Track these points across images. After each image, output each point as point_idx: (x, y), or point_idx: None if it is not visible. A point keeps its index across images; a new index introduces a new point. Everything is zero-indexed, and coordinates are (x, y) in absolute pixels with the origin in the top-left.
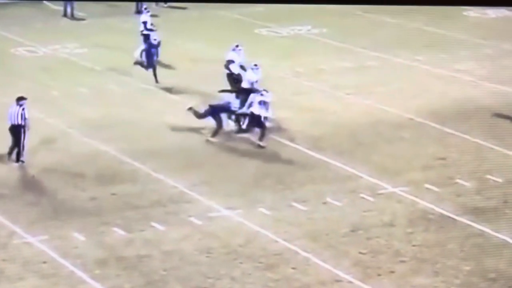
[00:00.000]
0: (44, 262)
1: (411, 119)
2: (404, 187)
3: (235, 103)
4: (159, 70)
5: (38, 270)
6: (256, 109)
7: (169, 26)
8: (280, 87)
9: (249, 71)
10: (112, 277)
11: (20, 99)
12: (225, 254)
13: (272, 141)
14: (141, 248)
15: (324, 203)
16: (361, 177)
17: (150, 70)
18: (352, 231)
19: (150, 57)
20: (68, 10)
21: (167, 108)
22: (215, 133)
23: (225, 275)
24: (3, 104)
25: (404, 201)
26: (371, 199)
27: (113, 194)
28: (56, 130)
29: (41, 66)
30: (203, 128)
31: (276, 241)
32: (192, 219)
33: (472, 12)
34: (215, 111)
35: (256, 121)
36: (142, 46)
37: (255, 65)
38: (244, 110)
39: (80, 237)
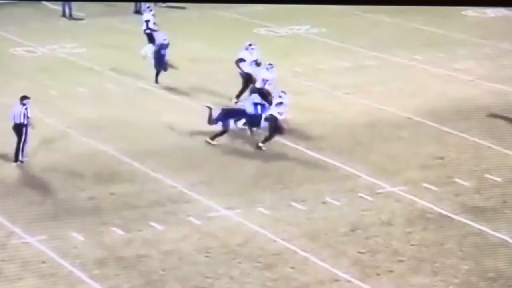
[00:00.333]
0: (43, 262)
1: (410, 118)
2: (403, 186)
3: (249, 108)
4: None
5: (37, 270)
6: (274, 111)
7: (167, 26)
8: (279, 87)
9: (263, 70)
10: (111, 277)
11: (23, 98)
12: (224, 254)
13: (271, 140)
14: (140, 248)
15: (323, 202)
16: (360, 176)
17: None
18: (351, 230)
19: (161, 58)
20: (67, 10)
21: (166, 108)
22: (216, 136)
23: (224, 275)
24: (2, 105)
25: (403, 200)
26: (369, 198)
27: (112, 194)
28: (54, 130)
29: (39, 66)
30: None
31: (275, 241)
32: (191, 219)
33: (471, 12)
34: (226, 116)
35: (273, 123)
36: (149, 44)
37: (270, 64)
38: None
39: (79, 237)
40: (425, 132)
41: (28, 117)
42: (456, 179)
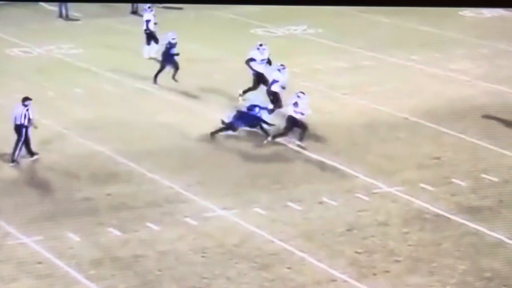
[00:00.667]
0: (39, 263)
1: (406, 118)
2: (399, 186)
3: (264, 114)
4: (154, 70)
5: (33, 271)
6: (291, 111)
7: (164, 27)
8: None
9: (275, 72)
10: (107, 277)
11: (25, 99)
12: (220, 254)
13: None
14: (136, 248)
15: (320, 202)
16: (357, 176)
17: (168, 69)
18: (348, 230)
19: (170, 57)
20: (63, 11)
21: (162, 109)
22: (220, 131)
23: (221, 275)
24: None
25: (399, 200)
26: (366, 198)
27: (108, 194)
28: (51, 130)
29: (36, 67)
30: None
31: (272, 241)
32: (187, 219)
33: (468, 12)
34: (239, 119)
35: (293, 123)
36: (148, 46)
37: (282, 65)
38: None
39: (75, 237)
40: (422, 132)
41: (29, 119)
42: (453, 179)
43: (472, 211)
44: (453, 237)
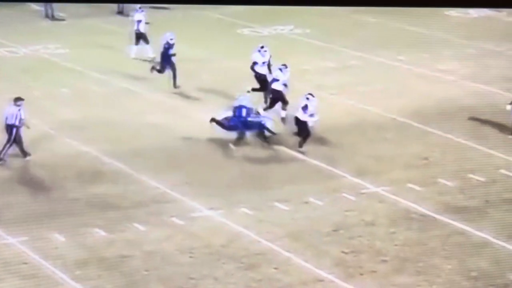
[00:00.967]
0: (25, 263)
1: (394, 118)
2: (387, 186)
3: (268, 122)
4: (141, 69)
5: (18, 271)
6: (300, 114)
7: (151, 27)
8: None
9: (277, 71)
10: (93, 278)
11: (17, 99)
12: (207, 254)
13: (255, 141)
14: (122, 249)
15: (306, 202)
16: (344, 176)
17: (167, 73)
18: (334, 230)
19: (168, 58)
20: (49, 11)
21: (149, 108)
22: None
23: (208, 276)
24: None
25: (387, 200)
26: (353, 198)
27: (95, 194)
28: (37, 130)
29: (22, 67)
30: (186, 133)
31: (259, 241)
32: (174, 219)
33: (454, 12)
34: (245, 125)
35: (301, 127)
36: (142, 45)
37: (284, 65)
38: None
39: (61, 237)
40: (409, 132)
41: (21, 119)
42: (440, 179)
43: (459, 211)
44: (440, 237)
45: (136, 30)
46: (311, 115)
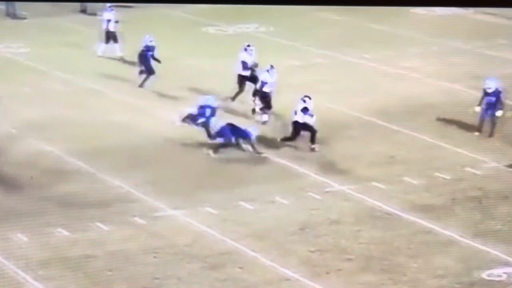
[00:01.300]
0: None
1: (359, 117)
2: (352, 185)
3: (254, 131)
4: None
5: None
6: (300, 118)
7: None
8: (226, 86)
9: (264, 73)
10: (56, 278)
11: None
12: (171, 254)
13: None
14: (86, 249)
15: (272, 202)
16: (309, 175)
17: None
18: (300, 229)
19: (147, 61)
20: (10, 9)
21: (112, 108)
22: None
23: (172, 276)
24: None
25: (352, 199)
26: (318, 197)
27: (58, 194)
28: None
29: None
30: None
31: (223, 241)
32: (137, 219)
33: (419, 9)
34: (232, 132)
35: (302, 129)
36: (111, 44)
37: (271, 66)
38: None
39: (23, 237)
40: (375, 130)
41: None
42: (405, 178)
43: (425, 209)
44: (405, 235)
45: (106, 28)
46: (311, 116)
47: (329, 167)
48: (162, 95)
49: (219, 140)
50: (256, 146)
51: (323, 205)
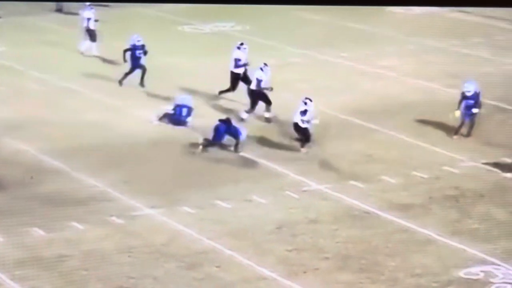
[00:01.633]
0: None
1: (336, 116)
2: (330, 184)
3: (244, 131)
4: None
5: None
6: (298, 119)
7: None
8: (204, 85)
9: (258, 71)
10: (32, 278)
11: None
12: (147, 254)
13: (195, 139)
14: (61, 248)
15: (249, 200)
16: (287, 174)
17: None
18: (277, 228)
19: (136, 60)
20: None
21: (88, 107)
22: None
23: (148, 275)
24: None
25: (330, 198)
26: (296, 196)
27: (34, 193)
28: None
29: None
30: (125, 131)
31: (200, 240)
32: (113, 218)
33: (396, 8)
34: (223, 129)
35: (301, 133)
36: (88, 42)
37: (265, 64)
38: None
39: None
40: (352, 129)
41: None
42: (383, 176)
43: (403, 208)
44: (383, 234)
45: (86, 27)
46: (310, 120)
47: (306, 166)
48: (138, 94)
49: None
50: (240, 146)
51: (301, 204)
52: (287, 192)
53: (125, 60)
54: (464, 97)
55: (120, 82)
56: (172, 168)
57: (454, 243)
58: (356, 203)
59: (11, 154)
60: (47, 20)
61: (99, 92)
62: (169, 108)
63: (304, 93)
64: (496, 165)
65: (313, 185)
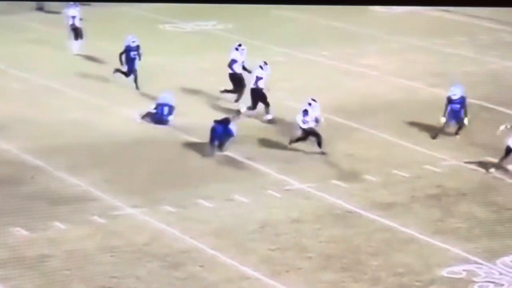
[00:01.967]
0: None
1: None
2: (312, 183)
3: (235, 130)
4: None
5: None
6: (300, 119)
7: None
8: (185, 83)
9: (258, 69)
10: (14, 278)
11: None
12: (130, 253)
13: (177, 138)
14: (43, 248)
15: (232, 200)
16: (269, 173)
17: (131, 77)
18: (260, 227)
19: (131, 61)
20: None
21: (70, 106)
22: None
23: (130, 275)
24: None
25: (312, 197)
26: (278, 195)
27: (16, 193)
28: None
29: None
30: (107, 130)
31: (183, 239)
32: (95, 217)
33: (378, 7)
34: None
35: (309, 133)
36: (76, 41)
37: (265, 62)
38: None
39: None
40: (334, 128)
41: None
42: (365, 176)
43: (385, 207)
44: (365, 233)
45: (71, 25)
46: (315, 120)
47: (288, 165)
48: (120, 93)
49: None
50: (226, 145)
51: (283, 203)
52: (270, 191)
53: (121, 64)
54: (450, 101)
55: (114, 71)
56: (154, 167)
57: (436, 242)
58: (338, 202)
59: None
60: (28, 18)
61: (81, 91)
62: (151, 107)
63: (287, 92)
64: (479, 164)
65: (296, 184)
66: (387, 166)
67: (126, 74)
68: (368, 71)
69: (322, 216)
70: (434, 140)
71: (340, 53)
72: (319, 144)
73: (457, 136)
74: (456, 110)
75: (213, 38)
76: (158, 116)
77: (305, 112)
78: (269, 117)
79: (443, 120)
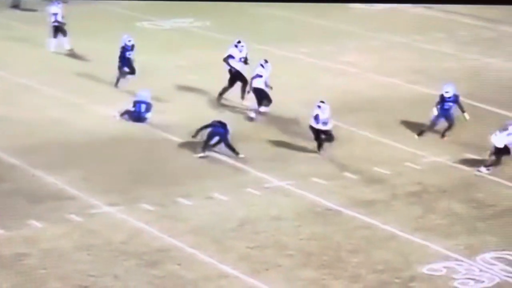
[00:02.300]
0: None
1: (298, 111)
2: (291, 180)
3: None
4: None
5: None
6: (313, 123)
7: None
8: (162, 81)
9: (259, 68)
10: None
11: None
12: (107, 251)
13: (155, 135)
14: (20, 247)
15: (211, 198)
16: (248, 171)
17: (129, 76)
18: (239, 225)
19: (126, 61)
20: None
21: (46, 104)
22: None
23: (108, 273)
24: None
25: (292, 194)
26: (258, 193)
27: None
28: None
29: None
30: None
31: (161, 237)
32: (72, 216)
33: (358, 4)
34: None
35: (319, 134)
36: (60, 37)
37: (266, 60)
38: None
39: None
40: None
41: None
42: (345, 173)
43: (365, 205)
44: (345, 230)
45: (53, 22)
46: (325, 123)
47: (268, 163)
48: (98, 91)
49: (215, 140)
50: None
51: (263, 201)
52: (249, 189)
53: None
54: (442, 99)
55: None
56: (132, 165)
57: (416, 239)
58: (318, 199)
59: None
60: (3, 16)
61: (58, 89)
62: (130, 105)
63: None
64: (460, 161)
65: (275, 182)
66: (368, 164)
67: (131, 72)
68: (348, 68)
69: (302, 213)
70: (417, 138)
71: (320, 50)
72: (327, 141)
73: (444, 138)
74: (448, 108)
75: (191, 36)
76: (136, 114)
77: (316, 117)
78: (262, 109)
79: (435, 111)
